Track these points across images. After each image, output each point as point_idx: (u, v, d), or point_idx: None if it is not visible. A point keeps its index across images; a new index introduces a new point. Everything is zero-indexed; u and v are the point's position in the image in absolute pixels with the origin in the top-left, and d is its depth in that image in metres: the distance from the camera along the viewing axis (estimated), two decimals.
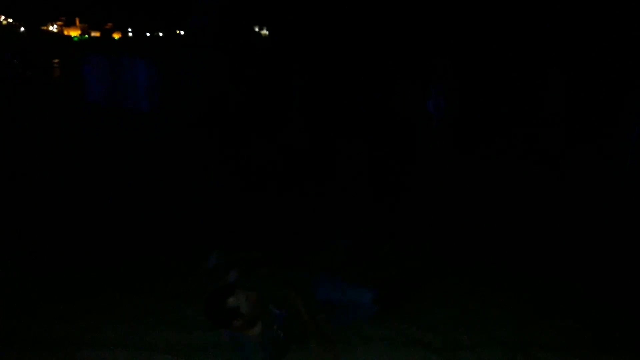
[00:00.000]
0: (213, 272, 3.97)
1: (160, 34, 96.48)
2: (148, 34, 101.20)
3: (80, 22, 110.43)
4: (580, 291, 4.06)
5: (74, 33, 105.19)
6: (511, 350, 3.09)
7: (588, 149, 7.91)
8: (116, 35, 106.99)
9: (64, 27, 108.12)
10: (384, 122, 10.33)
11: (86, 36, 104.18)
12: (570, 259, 4.80)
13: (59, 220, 5.25)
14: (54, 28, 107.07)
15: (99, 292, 3.64)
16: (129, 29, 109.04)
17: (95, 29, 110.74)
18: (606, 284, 4.21)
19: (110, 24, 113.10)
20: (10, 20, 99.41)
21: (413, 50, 10.52)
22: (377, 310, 3.37)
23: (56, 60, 33.98)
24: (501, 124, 9.58)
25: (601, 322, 3.53)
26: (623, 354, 3.11)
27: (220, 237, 4.85)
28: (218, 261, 4.02)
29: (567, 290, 4.06)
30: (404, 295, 3.69)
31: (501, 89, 9.95)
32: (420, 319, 3.46)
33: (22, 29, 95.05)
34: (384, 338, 3.19)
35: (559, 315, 3.60)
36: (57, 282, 3.79)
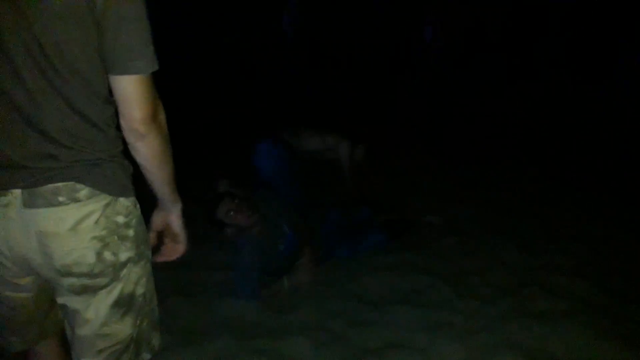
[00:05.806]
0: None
1: None
2: None
3: None
4: (585, 213, 4.05)
5: None
6: (518, 274, 3.10)
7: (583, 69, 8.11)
8: None
9: None
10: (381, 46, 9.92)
11: None
12: (574, 175, 4.76)
13: None
14: None
15: None
16: None
17: None
18: (612, 202, 4.20)
19: None
20: None
21: None
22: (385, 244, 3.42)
23: None
24: (497, 45, 9.28)
25: (608, 245, 3.52)
26: (630, 276, 3.11)
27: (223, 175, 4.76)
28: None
29: (572, 212, 4.05)
30: (407, 226, 3.67)
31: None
32: (426, 248, 3.44)
33: None
34: (391, 267, 3.18)
35: (566, 238, 3.59)
36: None
